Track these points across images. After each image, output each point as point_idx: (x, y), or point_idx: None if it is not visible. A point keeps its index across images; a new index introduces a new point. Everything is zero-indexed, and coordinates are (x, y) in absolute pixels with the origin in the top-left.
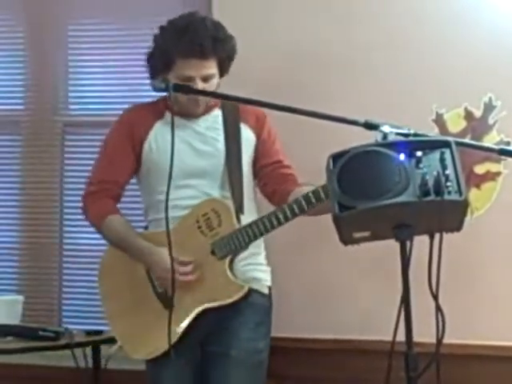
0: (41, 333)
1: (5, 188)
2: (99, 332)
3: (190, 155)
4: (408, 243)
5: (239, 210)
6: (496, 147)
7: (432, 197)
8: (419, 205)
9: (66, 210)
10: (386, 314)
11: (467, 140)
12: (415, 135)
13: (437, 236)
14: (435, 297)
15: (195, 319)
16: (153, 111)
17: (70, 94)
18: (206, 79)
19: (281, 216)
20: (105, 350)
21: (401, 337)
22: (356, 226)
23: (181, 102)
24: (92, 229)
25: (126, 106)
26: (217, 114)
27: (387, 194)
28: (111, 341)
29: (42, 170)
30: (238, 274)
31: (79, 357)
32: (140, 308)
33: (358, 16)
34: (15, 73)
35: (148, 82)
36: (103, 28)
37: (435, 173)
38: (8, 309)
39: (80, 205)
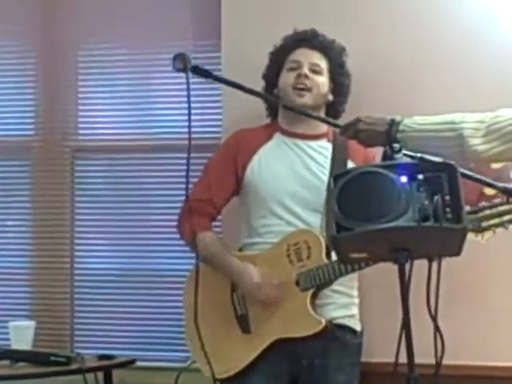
0: (52, 358)
1: (16, 213)
2: (111, 357)
3: (293, 182)
4: (408, 266)
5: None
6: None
7: (431, 222)
8: (417, 230)
9: (76, 235)
10: (387, 335)
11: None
12: (421, 159)
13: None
14: (435, 320)
15: (272, 346)
16: (261, 134)
17: (80, 120)
18: (313, 70)
19: None
20: (117, 374)
21: (402, 358)
22: (353, 248)
23: (288, 93)
24: (103, 253)
25: (136, 131)
26: (326, 146)
27: (385, 217)
28: (123, 365)
29: (52, 195)
30: (333, 309)
31: (91, 382)
32: (219, 328)
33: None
34: (25, 99)
35: (159, 106)
36: (113, 53)
37: (436, 198)
38: (20, 334)
39: (175, 224)
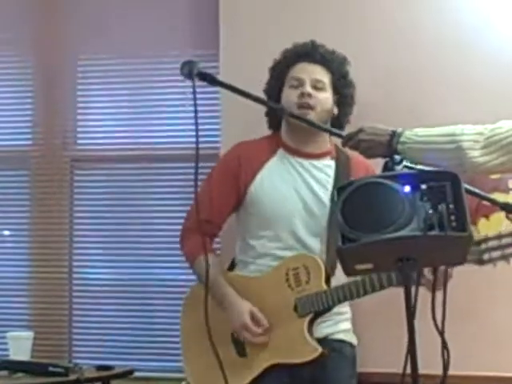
0: (51, 369)
1: (14, 223)
2: (109, 367)
3: (297, 204)
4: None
5: (331, 271)
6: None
7: (436, 231)
8: (422, 239)
9: (75, 245)
10: (386, 345)
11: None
12: (422, 170)
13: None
14: (441, 333)
15: (270, 369)
16: (263, 149)
17: (79, 129)
18: (316, 86)
19: (368, 286)
20: None
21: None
22: (359, 259)
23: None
24: (101, 263)
25: (135, 141)
26: (330, 164)
27: (390, 227)
28: (121, 376)
29: (51, 205)
30: (328, 325)
31: None
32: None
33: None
34: (24, 108)
35: (158, 116)
36: (112, 63)
37: (440, 207)
38: (18, 345)
39: (178, 239)
